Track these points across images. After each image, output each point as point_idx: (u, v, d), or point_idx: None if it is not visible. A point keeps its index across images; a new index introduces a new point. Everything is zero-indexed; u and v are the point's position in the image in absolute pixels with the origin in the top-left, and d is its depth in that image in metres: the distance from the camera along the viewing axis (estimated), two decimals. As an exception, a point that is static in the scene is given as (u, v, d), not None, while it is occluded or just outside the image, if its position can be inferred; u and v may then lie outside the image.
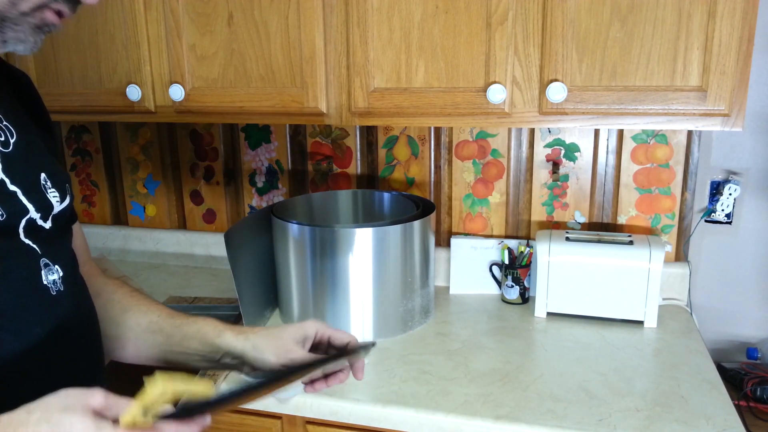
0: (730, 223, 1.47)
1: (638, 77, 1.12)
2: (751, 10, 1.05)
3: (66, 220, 0.72)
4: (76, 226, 0.81)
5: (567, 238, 1.42)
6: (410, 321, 1.38)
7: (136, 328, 0.79)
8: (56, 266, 0.66)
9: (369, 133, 1.64)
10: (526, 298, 1.53)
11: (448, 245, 1.62)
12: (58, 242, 0.68)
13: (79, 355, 0.69)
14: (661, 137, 1.45)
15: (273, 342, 0.72)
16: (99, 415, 0.49)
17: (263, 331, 0.74)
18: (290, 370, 0.69)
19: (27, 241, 0.63)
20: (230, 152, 1.77)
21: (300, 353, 0.71)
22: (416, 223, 1.34)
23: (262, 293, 1.42)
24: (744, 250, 1.48)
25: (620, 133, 1.48)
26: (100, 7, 1.37)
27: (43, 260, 0.65)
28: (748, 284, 1.49)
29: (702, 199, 1.48)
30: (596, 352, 1.27)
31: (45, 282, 0.64)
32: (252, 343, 0.73)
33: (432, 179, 1.62)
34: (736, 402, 1.21)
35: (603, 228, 1.54)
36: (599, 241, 1.40)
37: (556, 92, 1.14)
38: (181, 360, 0.78)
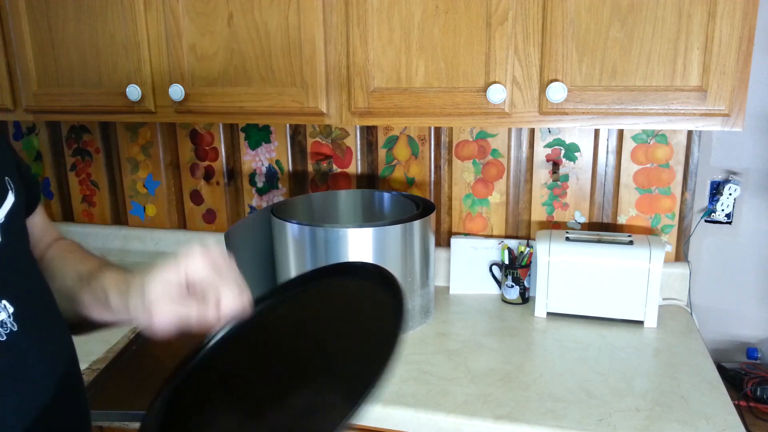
0: (730, 223, 1.47)
1: (638, 77, 1.12)
2: (751, 10, 1.05)
3: (19, 223, 0.60)
4: (32, 218, 0.68)
5: (567, 238, 1.42)
6: (410, 321, 1.38)
7: (59, 298, 0.66)
8: (3, 301, 0.54)
9: (369, 133, 1.64)
10: (526, 298, 1.52)
11: (448, 245, 1.62)
12: (9, 262, 0.57)
13: (50, 403, 0.57)
14: (661, 137, 1.45)
15: (141, 299, 0.59)
16: None
17: (137, 285, 0.60)
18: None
19: None
20: (230, 152, 1.77)
21: (162, 316, 0.57)
22: (416, 223, 1.34)
23: (262, 293, 1.42)
24: (744, 250, 1.48)
25: (620, 133, 1.48)
26: (100, 7, 1.37)
27: None
28: (748, 284, 1.49)
29: (702, 199, 1.48)
30: (596, 352, 1.27)
31: None
32: (127, 306, 0.61)
33: (432, 179, 1.62)
34: (736, 402, 1.21)
35: (603, 228, 1.54)
36: (599, 241, 1.40)
37: (556, 92, 1.14)
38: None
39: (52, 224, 0.78)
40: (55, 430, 0.57)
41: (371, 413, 1.09)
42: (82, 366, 1.25)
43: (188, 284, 0.60)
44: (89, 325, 0.68)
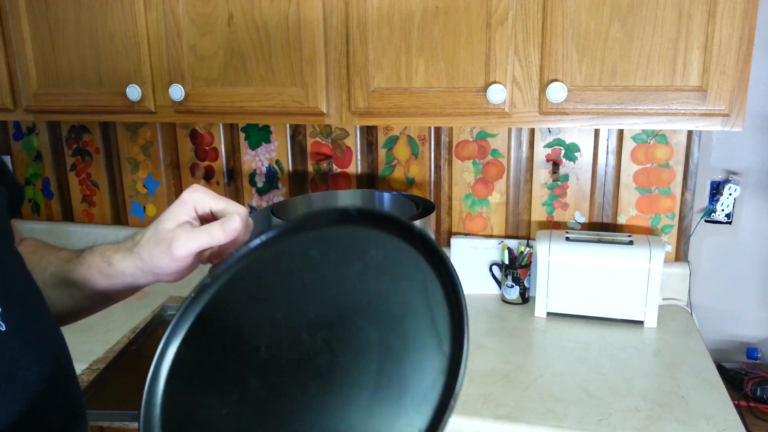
0: (730, 223, 1.47)
1: (638, 77, 1.12)
2: (751, 10, 1.05)
3: (1, 224, 0.59)
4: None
5: (567, 238, 1.42)
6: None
7: (44, 288, 0.64)
8: None
9: (369, 133, 1.64)
10: (526, 298, 1.52)
11: (448, 245, 1.62)
12: None
13: (43, 403, 0.55)
14: (661, 137, 1.45)
15: (156, 240, 0.61)
16: None
17: (148, 233, 0.62)
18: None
19: None
20: (230, 152, 1.77)
21: (182, 243, 0.59)
22: (416, 223, 1.33)
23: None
24: (744, 250, 1.48)
25: (620, 133, 1.48)
26: (100, 7, 1.37)
27: None
28: (748, 284, 1.49)
29: (702, 199, 1.48)
30: (596, 352, 1.27)
31: None
32: (139, 256, 0.62)
33: (432, 179, 1.62)
34: (736, 402, 1.21)
35: (603, 228, 1.54)
36: (599, 241, 1.40)
37: (556, 92, 1.14)
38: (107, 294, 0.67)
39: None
40: (49, 430, 0.56)
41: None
42: (83, 366, 1.25)
43: (200, 217, 0.63)
44: (82, 310, 0.68)
